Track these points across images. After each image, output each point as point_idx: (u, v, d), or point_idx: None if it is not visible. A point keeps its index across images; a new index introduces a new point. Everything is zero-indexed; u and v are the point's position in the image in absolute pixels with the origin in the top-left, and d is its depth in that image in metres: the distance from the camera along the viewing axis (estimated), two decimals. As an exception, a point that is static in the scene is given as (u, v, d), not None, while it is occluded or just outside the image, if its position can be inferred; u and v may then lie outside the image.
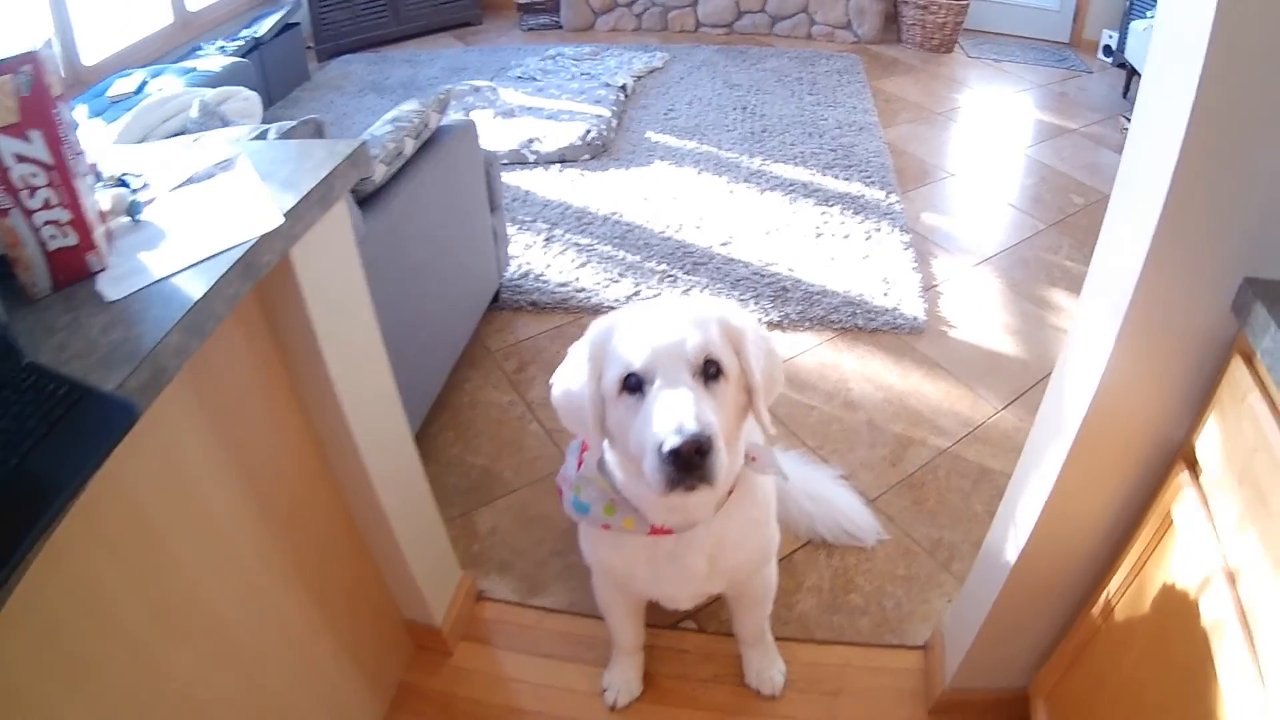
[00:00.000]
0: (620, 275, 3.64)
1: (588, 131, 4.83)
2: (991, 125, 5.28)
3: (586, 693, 2.14)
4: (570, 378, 1.50)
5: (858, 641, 2.22)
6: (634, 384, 1.38)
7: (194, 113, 2.55)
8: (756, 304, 3.43)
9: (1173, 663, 1.34)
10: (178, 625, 1.40)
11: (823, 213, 4.11)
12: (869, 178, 4.44)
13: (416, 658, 2.25)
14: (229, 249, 1.30)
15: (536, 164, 4.66)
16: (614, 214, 4.15)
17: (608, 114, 5.10)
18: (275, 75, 5.70)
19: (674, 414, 1.29)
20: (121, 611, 1.27)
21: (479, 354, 3.25)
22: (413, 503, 2.05)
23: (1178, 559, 1.35)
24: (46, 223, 1.24)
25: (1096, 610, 1.63)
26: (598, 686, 2.13)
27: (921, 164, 4.73)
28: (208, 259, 1.29)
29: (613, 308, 3.08)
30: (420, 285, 2.60)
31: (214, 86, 3.75)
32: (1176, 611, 1.33)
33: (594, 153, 4.76)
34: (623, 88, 5.56)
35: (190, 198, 1.49)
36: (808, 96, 5.51)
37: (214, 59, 5.04)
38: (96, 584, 1.22)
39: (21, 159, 1.19)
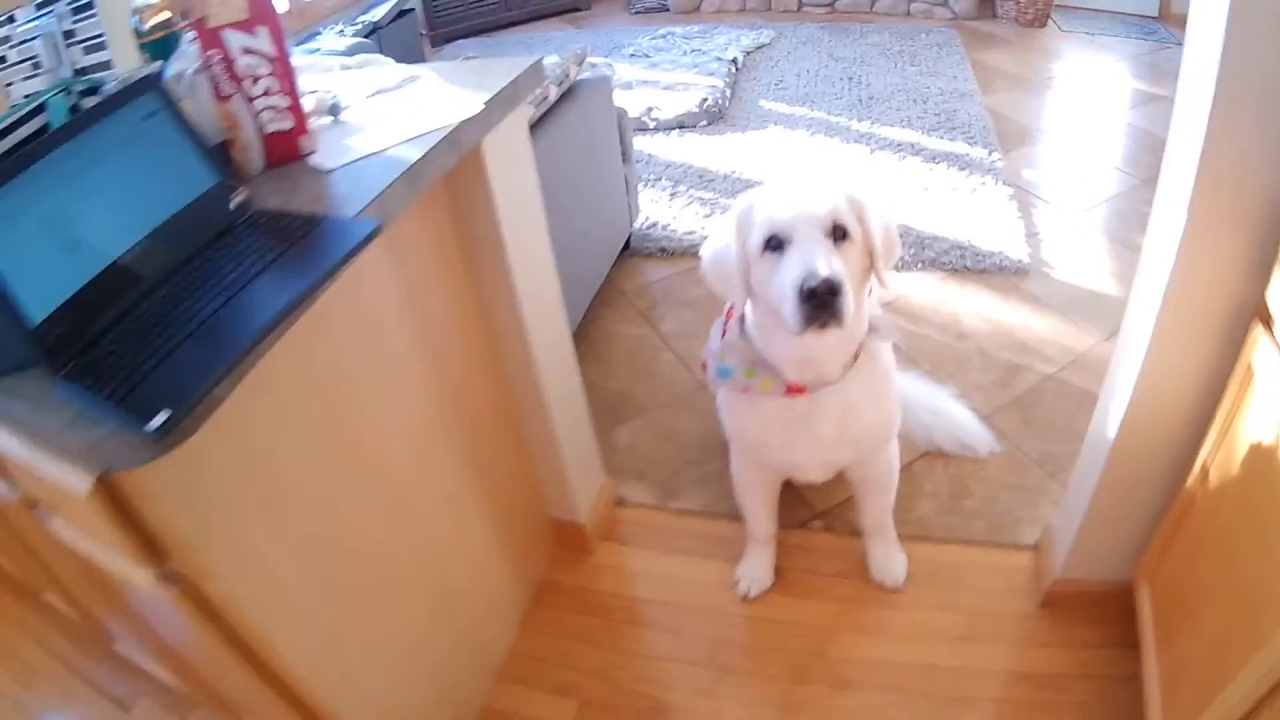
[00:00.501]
0: (741, 225, 3.84)
1: (704, 100, 5.04)
2: (1086, 93, 5.34)
3: (720, 585, 2.33)
4: (719, 244, 1.75)
5: (973, 541, 2.39)
6: (775, 244, 1.61)
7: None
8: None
9: (1260, 508, 1.48)
10: (361, 470, 1.60)
11: (930, 169, 4.28)
12: (971, 138, 4.59)
13: (558, 557, 2.46)
14: (436, 129, 1.54)
15: (657, 130, 4.89)
16: (733, 172, 4.38)
17: (721, 84, 5.30)
18: (392, 59, 5.95)
19: (810, 263, 1.54)
20: (316, 446, 1.48)
21: (613, 294, 3.49)
22: (569, 399, 2.26)
23: (1259, 407, 1.50)
24: (266, 108, 1.48)
25: (1192, 481, 1.76)
26: (730, 580, 2.33)
27: (1021, 127, 4.84)
28: (416, 137, 1.52)
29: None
30: (560, 223, 2.78)
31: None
32: (1263, 459, 1.47)
33: (710, 119, 4.99)
34: (733, 61, 5.76)
35: (384, 102, 1.74)
36: (910, 67, 5.66)
37: (338, 40, 5.32)
38: (298, 414, 1.42)
39: (247, 51, 1.44)
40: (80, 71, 2.07)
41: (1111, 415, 1.89)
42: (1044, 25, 6.50)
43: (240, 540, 1.34)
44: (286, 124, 1.50)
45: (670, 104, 5.03)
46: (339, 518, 1.56)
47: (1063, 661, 2.09)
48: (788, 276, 1.56)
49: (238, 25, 1.40)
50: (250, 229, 1.33)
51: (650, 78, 5.54)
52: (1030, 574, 2.29)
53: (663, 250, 3.75)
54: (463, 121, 1.57)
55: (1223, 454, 1.66)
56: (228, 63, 1.42)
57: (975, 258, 3.53)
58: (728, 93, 5.30)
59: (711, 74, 5.49)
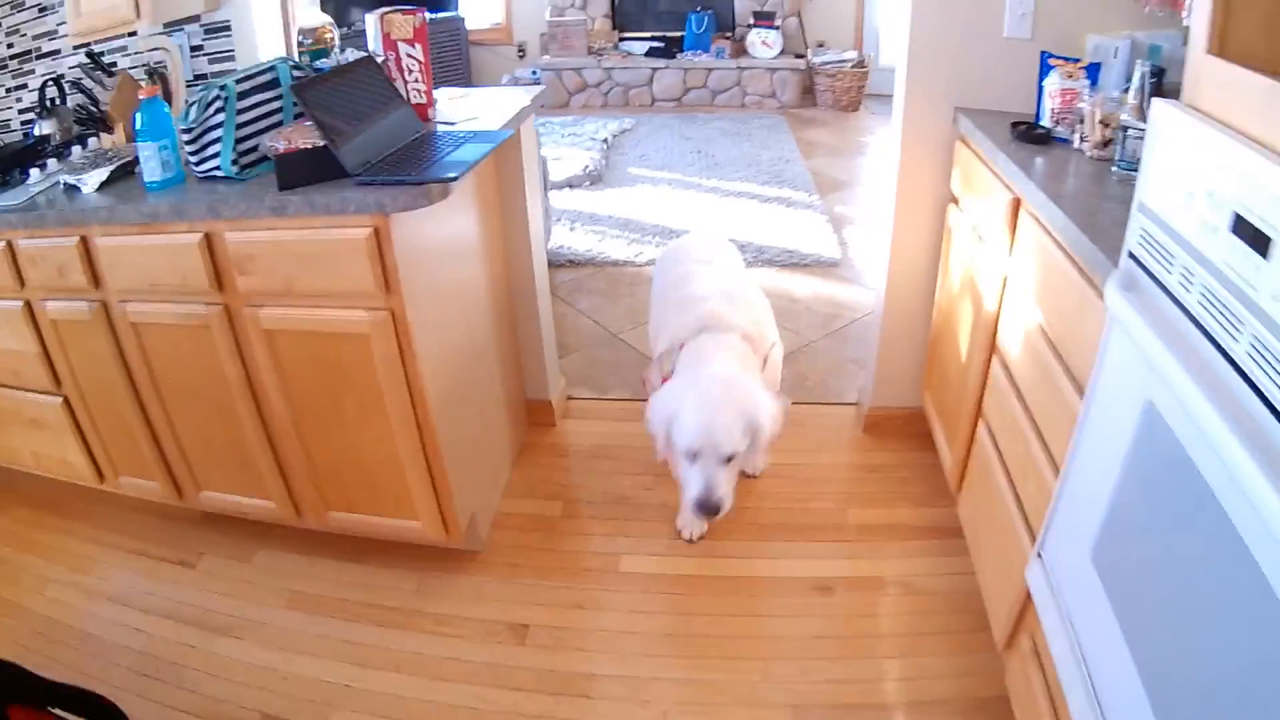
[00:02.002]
0: (628, 244, 5.13)
1: (586, 166, 6.39)
2: (888, 156, 6.74)
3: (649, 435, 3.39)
4: (654, 433, 2.52)
5: (814, 402, 3.55)
6: (689, 455, 2.36)
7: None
8: (726, 255, 4.87)
9: (965, 298, 2.54)
10: (455, 292, 2.58)
11: (764, 207, 5.68)
12: (796, 188, 6.01)
13: (532, 429, 3.44)
14: (508, 110, 2.68)
15: (551, 188, 5.98)
16: (614, 215, 5.65)
17: (598, 156, 6.67)
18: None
19: (703, 486, 2.34)
20: (445, 264, 2.44)
21: (540, 287, 4.61)
22: (546, 303, 3.32)
23: (955, 251, 2.69)
24: (414, 89, 2.58)
25: (935, 316, 2.92)
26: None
27: (835, 180, 6.31)
28: (496, 114, 2.65)
29: (629, 261, 4.71)
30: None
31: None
32: (960, 277, 2.60)
33: (592, 181, 6.29)
34: (604, 141, 7.16)
35: (459, 103, 2.84)
36: (746, 143, 7.13)
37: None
38: (440, 245, 2.38)
39: (409, 56, 2.54)
40: (199, 77, 3.07)
41: (881, 282, 3.09)
42: (856, 109, 8.18)
43: (418, 293, 2.21)
44: (423, 100, 2.61)
45: (559, 170, 6.30)
46: (449, 319, 2.45)
47: (885, 458, 3.19)
48: (693, 485, 2.35)
49: (406, 40, 2.53)
50: (434, 135, 2.44)
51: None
52: (854, 416, 3.43)
53: (570, 261, 4.93)
54: (522, 108, 2.73)
55: (944, 289, 2.81)
56: (398, 60, 2.54)
57: (800, 257, 4.86)
58: (603, 162, 6.65)
59: (589, 149, 6.86)
